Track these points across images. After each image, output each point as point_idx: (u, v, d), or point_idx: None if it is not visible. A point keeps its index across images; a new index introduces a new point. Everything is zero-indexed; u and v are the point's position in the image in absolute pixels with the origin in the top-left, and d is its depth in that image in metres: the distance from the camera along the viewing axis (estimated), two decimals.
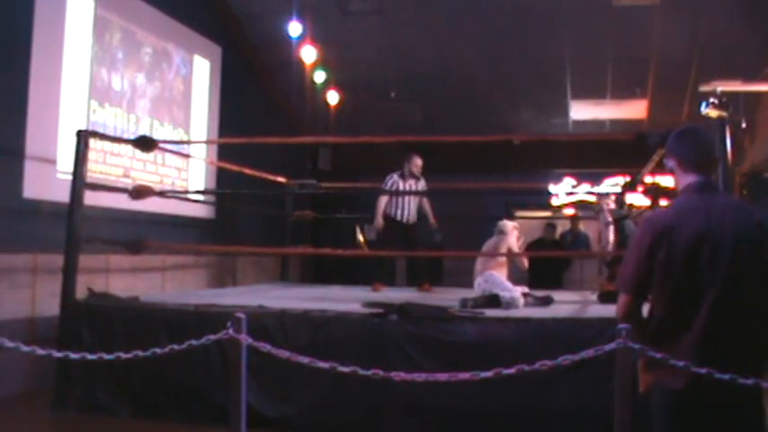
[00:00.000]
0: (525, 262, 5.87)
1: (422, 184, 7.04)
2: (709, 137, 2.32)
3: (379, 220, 6.89)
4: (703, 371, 2.05)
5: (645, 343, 2.22)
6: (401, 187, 6.87)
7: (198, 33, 8.21)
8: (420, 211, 7.07)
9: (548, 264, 7.91)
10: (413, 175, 6.93)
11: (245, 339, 3.02)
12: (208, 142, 8.29)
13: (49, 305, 5.25)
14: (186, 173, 7.95)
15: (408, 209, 6.95)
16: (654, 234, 2.14)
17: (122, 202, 5.83)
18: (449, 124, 10.22)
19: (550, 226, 8.96)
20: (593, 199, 7.49)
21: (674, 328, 2.14)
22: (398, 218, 6.91)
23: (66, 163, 5.64)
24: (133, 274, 6.61)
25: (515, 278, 5.72)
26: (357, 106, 9.92)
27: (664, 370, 2.14)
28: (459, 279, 7.34)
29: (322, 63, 9.07)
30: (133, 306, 5.02)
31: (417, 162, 6.92)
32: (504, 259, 5.53)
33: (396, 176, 6.95)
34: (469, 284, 5.65)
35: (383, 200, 6.94)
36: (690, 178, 2.23)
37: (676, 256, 2.10)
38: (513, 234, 5.63)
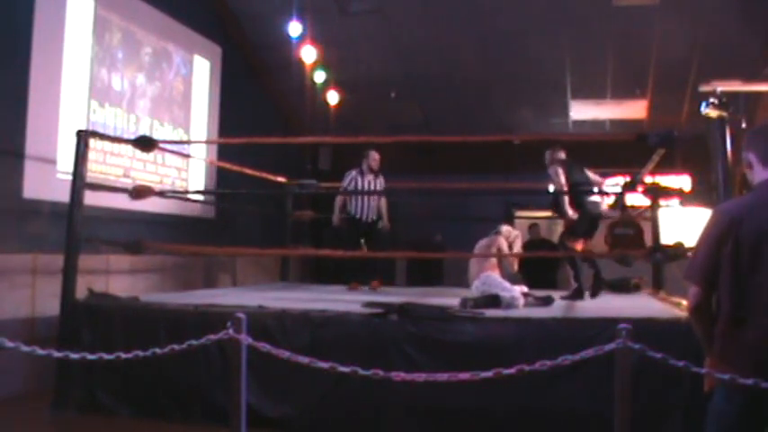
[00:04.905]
0: (515, 264, 5.88)
1: (381, 181, 7.05)
2: None
3: (336, 217, 6.96)
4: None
5: (713, 337, 2.20)
6: (360, 184, 6.90)
7: (198, 33, 8.21)
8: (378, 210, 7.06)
9: (540, 264, 7.89)
10: (372, 171, 6.94)
11: (245, 339, 3.02)
12: (208, 142, 8.30)
13: (49, 305, 5.25)
14: (186, 173, 7.96)
15: (368, 207, 6.94)
16: (721, 226, 2.15)
17: (122, 202, 5.83)
18: (449, 124, 10.23)
19: (534, 225, 8.96)
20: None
21: (741, 322, 2.13)
22: (357, 215, 6.91)
23: (66, 163, 5.64)
24: (133, 275, 6.61)
25: (508, 279, 5.71)
26: (357, 106, 9.92)
27: (731, 366, 2.12)
28: (459, 279, 7.33)
29: (322, 63, 9.07)
30: (133, 306, 5.01)
31: (375, 157, 6.95)
32: (497, 260, 5.53)
33: (354, 173, 6.99)
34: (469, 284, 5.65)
35: (340, 198, 7.03)
36: (766, 173, 2.22)
37: (742, 250, 2.10)
38: (510, 237, 5.64)
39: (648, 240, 6.77)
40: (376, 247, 6.84)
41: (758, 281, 2.09)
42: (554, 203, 5.91)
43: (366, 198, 6.92)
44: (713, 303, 2.24)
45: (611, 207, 7.44)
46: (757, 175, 2.25)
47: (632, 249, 6.05)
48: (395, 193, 7.28)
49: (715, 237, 2.16)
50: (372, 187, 6.94)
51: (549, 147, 6.10)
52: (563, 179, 5.73)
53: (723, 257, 2.13)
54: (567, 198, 5.67)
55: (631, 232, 7.67)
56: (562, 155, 5.93)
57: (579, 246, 5.86)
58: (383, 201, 7.08)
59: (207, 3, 8.50)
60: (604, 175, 6.50)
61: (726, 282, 2.14)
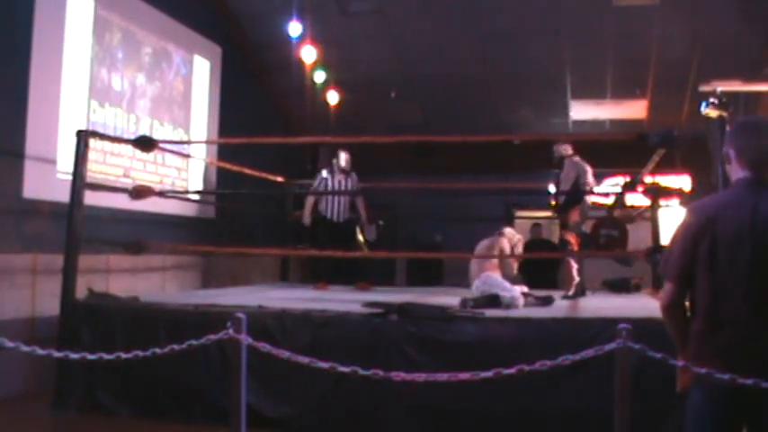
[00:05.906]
0: (515, 266, 5.88)
1: (353, 180, 7.04)
2: None
3: (306, 218, 6.98)
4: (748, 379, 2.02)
5: (688, 336, 2.18)
6: (329, 184, 6.92)
7: (198, 33, 8.21)
8: (356, 209, 7.04)
9: (541, 264, 7.90)
10: (342, 171, 6.95)
11: (245, 339, 3.02)
12: (208, 142, 8.29)
13: (49, 305, 5.25)
14: (186, 173, 7.95)
15: (337, 207, 6.93)
16: (698, 224, 2.13)
17: (122, 202, 5.83)
18: (449, 124, 10.22)
19: (536, 225, 8.97)
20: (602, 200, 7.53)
21: (717, 321, 2.10)
22: (327, 215, 6.92)
23: (66, 163, 5.64)
24: (133, 275, 6.61)
25: (508, 280, 5.71)
26: (357, 106, 9.91)
27: (707, 366, 2.09)
28: (459, 279, 7.34)
29: (322, 63, 9.07)
30: (133, 306, 5.02)
31: (345, 157, 6.97)
32: (498, 260, 5.53)
33: (324, 173, 7.02)
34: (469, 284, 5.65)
35: (310, 198, 7.06)
36: (742, 173, 2.19)
37: (719, 249, 2.08)
38: (512, 240, 5.64)
39: (648, 241, 6.78)
40: (349, 248, 6.77)
41: (735, 280, 2.07)
42: (572, 195, 5.88)
43: (336, 198, 6.92)
44: (687, 302, 2.22)
45: (610, 207, 7.44)
46: (734, 172, 2.23)
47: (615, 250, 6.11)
48: (394, 192, 7.25)
49: (691, 234, 2.14)
50: (342, 187, 6.94)
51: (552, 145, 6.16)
52: (590, 175, 5.77)
53: (700, 256, 2.11)
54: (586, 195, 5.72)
55: (616, 234, 7.67)
56: (569, 149, 5.98)
57: (574, 238, 5.91)
58: (359, 200, 7.06)
59: (207, 3, 8.49)
60: (603, 176, 6.53)
61: (702, 280, 2.12)
